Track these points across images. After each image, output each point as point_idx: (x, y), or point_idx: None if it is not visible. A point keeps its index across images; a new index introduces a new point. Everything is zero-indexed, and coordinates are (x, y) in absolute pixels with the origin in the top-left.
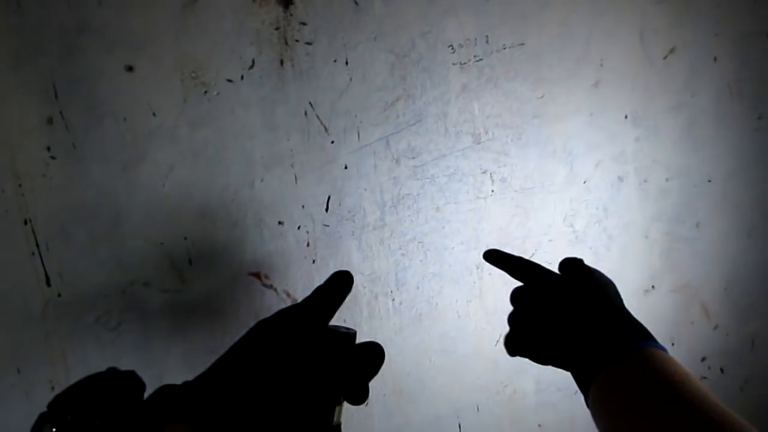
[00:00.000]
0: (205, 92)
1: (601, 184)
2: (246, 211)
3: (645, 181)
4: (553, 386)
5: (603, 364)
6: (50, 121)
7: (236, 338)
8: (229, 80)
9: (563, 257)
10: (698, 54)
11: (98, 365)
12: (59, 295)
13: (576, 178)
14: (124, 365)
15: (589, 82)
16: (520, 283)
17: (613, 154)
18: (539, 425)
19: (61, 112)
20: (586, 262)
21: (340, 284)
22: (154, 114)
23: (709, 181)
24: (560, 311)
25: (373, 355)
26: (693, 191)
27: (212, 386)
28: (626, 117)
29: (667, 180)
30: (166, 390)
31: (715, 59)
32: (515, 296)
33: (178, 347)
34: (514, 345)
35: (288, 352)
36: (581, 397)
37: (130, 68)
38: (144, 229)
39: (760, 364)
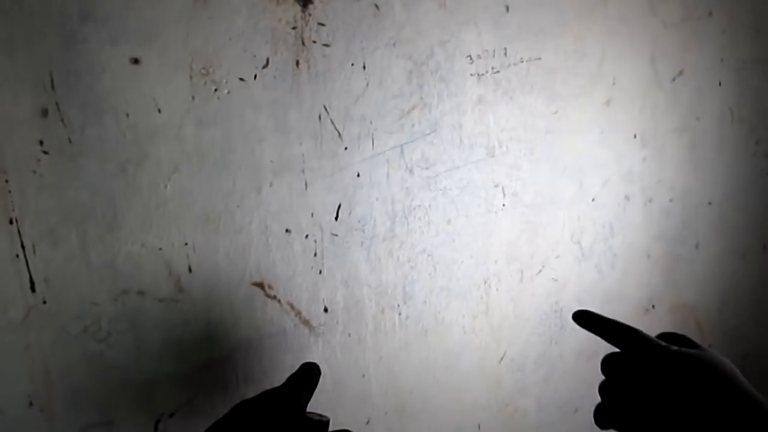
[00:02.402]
0: (215, 90)
1: (609, 202)
2: (252, 217)
3: (650, 200)
4: (553, 405)
5: None
6: (45, 113)
7: (229, 354)
8: (242, 79)
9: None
10: (704, 78)
11: (84, 380)
12: (44, 302)
13: (585, 195)
14: (113, 379)
15: (601, 100)
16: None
17: (620, 172)
18: None
19: (57, 104)
20: (590, 279)
21: (311, 373)
22: (159, 111)
23: (710, 203)
24: (669, 387)
25: None
26: (694, 212)
27: None
28: (635, 136)
29: (670, 200)
30: None
31: (720, 84)
32: (609, 364)
33: (171, 361)
34: (607, 418)
35: None
36: (581, 415)
37: (135, 61)
38: (141, 233)
39: (753, 383)
